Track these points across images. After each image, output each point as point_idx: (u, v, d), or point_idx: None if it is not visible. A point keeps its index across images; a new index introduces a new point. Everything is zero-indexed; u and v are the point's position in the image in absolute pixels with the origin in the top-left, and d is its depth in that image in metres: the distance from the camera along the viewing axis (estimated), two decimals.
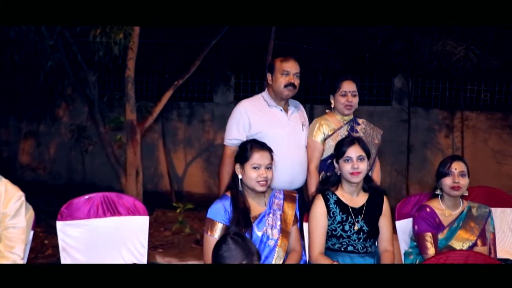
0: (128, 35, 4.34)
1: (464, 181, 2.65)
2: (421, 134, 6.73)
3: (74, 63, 4.83)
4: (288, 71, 2.99)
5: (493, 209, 3.11)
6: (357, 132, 3.10)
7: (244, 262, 1.98)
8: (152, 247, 4.24)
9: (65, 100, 6.22)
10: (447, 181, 2.66)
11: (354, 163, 2.54)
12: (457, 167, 2.66)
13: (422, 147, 6.72)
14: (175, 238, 4.54)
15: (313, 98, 6.63)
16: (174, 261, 3.58)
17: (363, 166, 2.55)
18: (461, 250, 2.48)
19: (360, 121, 3.19)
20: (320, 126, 3.09)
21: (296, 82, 3.03)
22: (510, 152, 6.69)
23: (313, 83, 6.61)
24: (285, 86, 2.99)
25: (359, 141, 2.61)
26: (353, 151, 2.55)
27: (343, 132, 3.05)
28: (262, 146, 2.52)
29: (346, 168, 2.56)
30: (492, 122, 6.73)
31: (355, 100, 3.11)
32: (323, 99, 6.47)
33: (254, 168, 2.45)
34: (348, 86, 3.09)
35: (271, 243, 2.49)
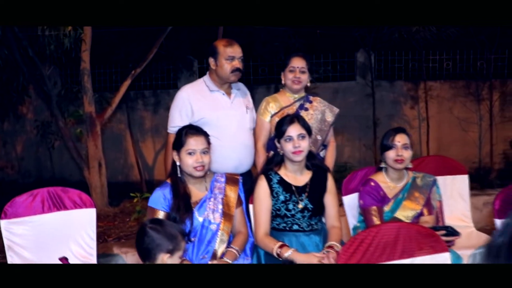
0: (78, 27, 4.26)
1: (407, 154, 2.66)
2: (387, 107, 6.75)
3: (26, 59, 4.74)
4: (233, 56, 2.93)
5: (443, 177, 3.15)
6: (306, 109, 3.08)
7: (170, 247, 1.97)
8: (116, 238, 4.22)
9: (23, 96, 6.11)
10: (390, 154, 2.66)
11: (295, 142, 2.51)
12: (400, 140, 2.66)
13: (388, 120, 6.74)
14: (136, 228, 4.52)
15: (277, 78, 6.56)
16: (130, 251, 3.55)
17: (304, 144, 2.53)
18: (392, 222, 2.48)
19: (312, 98, 3.18)
20: (267, 104, 3.07)
21: (241, 66, 2.99)
22: (475, 119, 6.75)
23: (276, 63, 6.57)
24: (232, 71, 2.95)
25: (299, 119, 2.58)
26: (293, 130, 2.53)
27: (291, 110, 3.03)
28: (196, 130, 2.49)
29: (287, 147, 2.54)
30: (455, 91, 6.77)
31: (304, 77, 3.09)
32: None
33: (190, 153, 2.42)
34: (297, 62, 3.08)
35: (213, 227, 2.48)
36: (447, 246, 2.09)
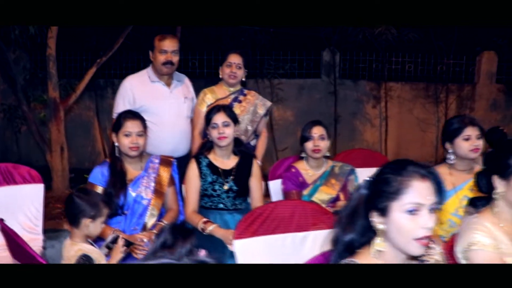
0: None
1: (323, 144, 2.95)
2: (350, 105, 7.00)
3: None
4: (165, 50, 3.25)
5: (369, 168, 3.43)
6: (240, 102, 3.36)
7: (92, 213, 2.23)
8: None
9: None
10: (308, 145, 2.95)
11: (220, 129, 2.79)
12: (316, 131, 2.95)
13: (351, 118, 7.01)
14: None
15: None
16: None
17: (228, 131, 2.81)
18: (291, 200, 2.76)
19: (247, 92, 3.46)
20: (205, 95, 3.36)
21: (175, 59, 3.29)
22: (433, 121, 7.05)
23: (243, 58, 6.80)
24: (163, 64, 3.25)
25: (225, 109, 2.87)
26: (219, 118, 2.81)
27: (225, 102, 3.31)
28: (133, 115, 2.77)
29: (213, 133, 2.82)
30: (416, 92, 7.05)
31: (239, 72, 3.38)
32: (254, 73, 6.68)
33: (126, 135, 2.70)
34: (234, 59, 3.37)
35: (144, 202, 2.76)
36: None
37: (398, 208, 1.42)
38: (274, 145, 6.56)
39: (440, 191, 1.45)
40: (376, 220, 1.46)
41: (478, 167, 2.62)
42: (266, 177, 3.29)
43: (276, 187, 3.17)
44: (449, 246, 1.95)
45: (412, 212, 1.40)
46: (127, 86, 3.30)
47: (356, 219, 1.53)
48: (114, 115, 3.26)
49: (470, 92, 7.05)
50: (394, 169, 1.47)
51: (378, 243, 1.47)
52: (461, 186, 2.62)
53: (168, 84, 3.37)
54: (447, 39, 6.65)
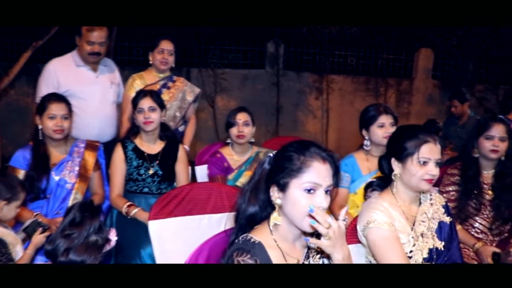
0: None
1: (248, 130, 3.02)
2: (293, 96, 7.12)
3: None
4: (93, 41, 3.21)
5: None
6: (169, 88, 3.39)
7: (8, 196, 2.20)
8: None
9: None
10: (233, 131, 3.02)
11: (146, 114, 2.81)
12: (241, 117, 3.02)
13: (294, 109, 7.14)
14: None
15: (189, 62, 6.83)
16: None
17: (154, 116, 2.83)
18: (207, 183, 2.83)
19: (176, 78, 3.49)
20: (134, 81, 3.37)
21: (102, 49, 3.27)
22: None
23: (188, 47, 6.80)
24: (89, 54, 3.23)
25: (152, 94, 2.89)
26: (145, 103, 2.83)
27: (154, 88, 3.32)
28: (58, 98, 2.75)
29: (139, 118, 2.84)
30: (357, 85, 7.26)
31: (171, 59, 3.40)
32: (198, 62, 6.69)
33: (50, 118, 2.67)
34: (166, 45, 3.39)
35: (68, 186, 2.74)
36: None
37: (296, 186, 1.49)
38: (216, 134, 6.60)
39: (336, 174, 1.54)
40: (275, 194, 1.54)
41: None
42: (194, 163, 3.34)
43: (202, 172, 3.22)
44: (352, 226, 2.06)
45: (309, 191, 1.48)
46: (51, 70, 3.26)
47: (258, 193, 1.61)
48: (38, 99, 3.18)
49: (408, 86, 7.33)
50: (298, 148, 1.55)
51: (275, 216, 1.55)
52: (376, 171, 2.75)
53: (94, 69, 3.36)
54: (387, 35, 6.88)
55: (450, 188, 2.67)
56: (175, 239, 2.28)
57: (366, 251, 2.02)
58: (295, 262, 1.57)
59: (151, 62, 3.41)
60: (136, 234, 2.61)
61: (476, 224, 2.66)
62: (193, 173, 3.28)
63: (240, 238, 1.56)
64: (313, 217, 1.43)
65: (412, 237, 1.91)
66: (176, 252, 2.19)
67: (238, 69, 6.95)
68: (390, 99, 7.16)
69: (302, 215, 1.49)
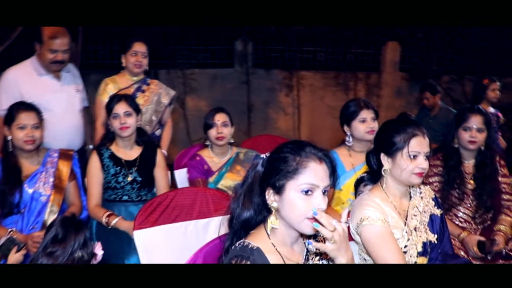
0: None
1: (227, 131, 2.95)
2: (263, 94, 7.09)
3: None
4: (56, 49, 3.03)
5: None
6: (143, 91, 3.29)
7: None
8: None
9: None
10: (212, 132, 2.95)
11: (122, 119, 2.72)
12: (219, 118, 2.95)
13: (265, 107, 7.11)
14: None
15: (157, 63, 6.70)
16: None
17: (130, 121, 2.74)
18: (191, 188, 2.76)
19: (150, 81, 3.39)
20: (106, 86, 3.25)
21: (65, 57, 3.08)
22: None
23: (155, 48, 6.67)
24: (52, 62, 3.06)
25: (127, 98, 2.79)
26: (120, 108, 2.73)
27: (128, 92, 3.22)
28: (28, 106, 2.61)
29: (115, 124, 2.74)
30: (327, 81, 7.28)
31: (145, 61, 3.30)
32: (166, 63, 6.58)
33: (20, 128, 2.54)
34: (139, 47, 3.28)
35: (43, 198, 2.62)
36: None
37: (293, 188, 1.44)
38: (188, 136, 6.51)
39: (333, 174, 1.50)
40: (271, 197, 1.49)
41: None
42: (172, 167, 3.26)
43: (182, 176, 3.14)
44: None
45: (307, 192, 1.44)
46: (10, 80, 3.04)
47: (252, 197, 1.55)
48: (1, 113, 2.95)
49: (377, 80, 7.41)
50: (293, 149, 1.50)
51: (272, 220, 1.50)
52: (359, 167, 2.74)
53: (58, 77, 3.17)
54: (355, 30, 6.92)
55: (434, 179, 2.68)
56: (162, 248, 2.21)
57: (359, 248, 2.00)
58: None
59: (124, 65, 3.30)
60: (118, 244, 2.52)
61: (460, 214, 2.69)
62: (172, 178, 3.19)
63: (237, 245, 1.51)
64: (316, 220, 1.39)
65: (406, 232, 1.90)
66: (164, 261, 2.12)
67: (207, 68, 6.87)
68: (359, 93, 7.22)
69: (300, 218, 1.45)
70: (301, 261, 1.56)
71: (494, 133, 2.75)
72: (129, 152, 2.83)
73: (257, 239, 1.51)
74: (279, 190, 1.47)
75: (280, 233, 1.52)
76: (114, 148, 2.81)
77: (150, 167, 2.84)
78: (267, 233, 1.52)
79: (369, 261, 1.95)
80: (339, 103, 7.24)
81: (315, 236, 1.63)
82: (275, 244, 1.50)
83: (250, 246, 1.47)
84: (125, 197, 2.77)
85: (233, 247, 1.52)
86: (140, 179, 2.78)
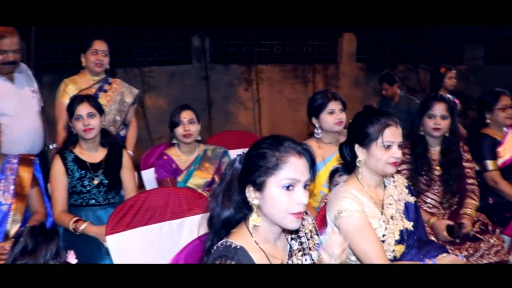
0: None
1: (194, 128, 2.91)
2: (222, 89, 7.03)
3: None
4: (5, 50, 2.87)
5: (241, 150, 3.46)
6: (105, 91, 3.19)
7: None
8: None
9: None
10: (179, 130, 2.89)
11: (85, 121, 2.62)
12: (186, 115, 2.90)
13: (224, 102, 7.06)
14: None
15: (113, 62, 6.51)
16: None
17: (94, 122, 2.64)
18: (163, 188, 2.71)
19: (112, 80, 3.29)
20: (66, 86, 3.13)
21: (17, 57, 2.92)
22: (303, 100, 7.32)
23: (110, 46, 6.49)
24: (3, 64, 2.91)
25: (89, 99, 2.69)
26: (83, 109, 2.63)
27: (90, 92, 3.11)
28: None
29: (78, 126, 2.63)
30: (285, 74, 7.30)
31: (106, 60, 3.20)
32: (123, 61, 6.42)
33: None
34: (99, 45, 3.18)
35: (4, 208, 2.49)
36: None
37: (274, 183, 1.42)
38: (148, 134, 6.39)
39: (313, 168, 1.49)
40: (252, 195, 1.46)
41: (343, 139, 2.78)
42: (139, 167, 3.18)
43: (149, 176, 3.08)
44: (321, 216, 2.04)
45: (288, 188, 1.42)
46: None
47: (231, 195, 1.52)
48: None
49: (335, 71, 7.50)
50: (271, 144, 1.47)
51: (254, 218, 1.47)
52: (329, 158, 2.76)
53: (11, 79, 3.01)
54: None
55: (402, 167, 2.72)
56: (137, 251, 2.15)
57: None
58: (279, 263, 1.51)
59: (84, 65, 3.18)
60: (88, 250, 2.43)
61: (428, 200, 2.75)
62: (140, 178, 3.11)
63: (219, 245, 1.47)
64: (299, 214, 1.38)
65: (383, 221, 1.92)
66: None
67: (165, 66, 6.75)
68: (318, 84, 7.28)
69: (283, 214, 1.43)
70: (285, 257, 1.55)
71: (457, 119, 2.81)
72: (93, 154, 2.73)
73: (239, 238, 1.48)
74: (259, 187, 1.45)
75: (263, 230, 1.49)
76: (77, 151, 2.71)
77: (117, 168, 2.76)
78: (249, 231, 1.49)
79: (348, 252, 1.96)
80: (298, 95, 7.37)
81: (297, 231, 1.62)
82: (258, 242, 1.48)
83: (233, 245, 1.44)
84: (92, 201, 2.68)
85: (215, 247, 1.48)
86: (106, 181, 2.69)
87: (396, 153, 1.89)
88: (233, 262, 1.40)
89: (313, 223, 1.70)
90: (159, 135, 6.48)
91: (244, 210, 1.52)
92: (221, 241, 1.48)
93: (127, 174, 2.78)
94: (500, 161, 3.07)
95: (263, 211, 1.47)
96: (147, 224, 2.18)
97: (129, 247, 2.14)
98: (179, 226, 2.26)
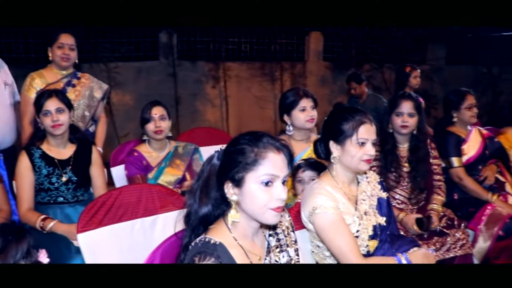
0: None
1: (165, 124, 2.88)
2: (190, 86, 6.98)
3: None
4: None
5: (212, 147, 3.44)
6: (74, 86, 3.12)
7: None
8: None
9: None
10: (150, 126, 2.86)
11: (54, 116, 2.55)
12: (157, 112, 2.87)
13: (192, 99, 7.02)
14: None
15: (79, 57, 6.38)
16: None
17: (63, 118, 2.57)
18: (135, 184, 2.67)
19: (81, 75, 3.22)
20: (32, 80, 3.05)
21: None
22: (270, 98, 7.39)
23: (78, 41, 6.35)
24: None
25: (58, 94, 2.62)
26: (51, 104, 2.56)
27: (58, 86, 3.04)
28: None
29: (47, 121, 2.56)
30: (253, 71, 7.31)
31: (73, 54, 3.13)
32: (89, 57, 6.27)
33: None
34: (66, 39, 3.11)
35: None
36: None
37: (253, 179, 1.42)
38: (115, 131, 6.28)
39: (291, 163, 1.50)
40: (230, 191, 1.46)
41: (314, 136, 2.81)
42: (108, 164, 3.12)
43: (119, 173, 3.02)
44: (295, 212, 2.05)
45: (267, 184, 1.42)
46: None
47: (209, 191, 1.51)
48: None
49: (302, 69, 7.55)
50: (250, 140, 1.46)
51: (232, 214, 1.47)
52: (300, 155, 2.77)
53: None
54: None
55: (372, 164, 2.77)
56: (109, 249, 2.10)
57: (310, 235, 2.02)
58: (257, 259, 1.51)
59: (50, 59, 3.10)
60: (56, 249, 2.36)
61: (397, 196, 2.81)
62: (109, 176, 3.05)
63: (197, 241, 1.46)
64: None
65: (357, 217, 1.95)
66: (112, 263, 2.02)
67: (132, 61, 6.65)
68: (286, 82, 7.31)
69: (263, 209, 1.43)
70: (263, 254, 1.55)
71: (424, 117, 2.88)
72: (62, 150, 2.66)
73: (217, 234, 1.47)
74: (238, 183, 1.44)
75: (241, 226, 1.49)
76: (45, 147, 2.63)
77: (86, 165, 2.69)
78: (228, 227, 1.49)
79: (322, 247, 1.98)
80: (266, 93, 7.39)
81: (275, 228, 1.63)
82: (236, 238, 1.48)
83: (212, 241, 1.44)
84: (60, 199, 2.61)
85: (193, 244, 1.47)
86: (75, 178, 2.63)
87: (370, 150, 1.92)
88: (213, 258, 1.39)
89: (290, 219, 1.70)
90: (125, 132, 6.39)
91: (222, 206, 1.52)
92: (199, 238, 1.47)
93: (96, 171, 2.72)
94: (464, 158, 3.16)
95: (242, 207, 1.47)
96: (119, 222, 2.14)
97: (101, 245, 2.09)
98: (151, 223, 2.23)
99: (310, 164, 2.50)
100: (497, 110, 7.83)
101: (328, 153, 2.01)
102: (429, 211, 2.75)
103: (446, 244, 2.65)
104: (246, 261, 1.46)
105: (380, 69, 7.39)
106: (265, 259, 1.54)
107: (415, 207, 2.83)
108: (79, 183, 2.64)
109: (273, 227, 1.61)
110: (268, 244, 1.58)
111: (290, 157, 1.50)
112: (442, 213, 2.80)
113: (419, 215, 2.68)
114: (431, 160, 2.88)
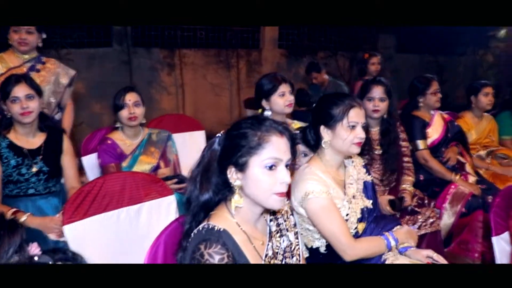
0: None
1: (139, 110, 2.82)
2: (145, 73, 6.82)
3: None
4: None
5: (182, 133, 3.40)
6: (38, 71, 2.99)
7: None
8: None
9: None
10: (124, 113, 2.78)
11: (23, 103, 2.42)
12: (130, 98, 2.80)
13: (147, 87, 6.84)
14: None
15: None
16: None
17: (33, 105, 2.45)
18: (119, 173, 2.60)
19: (46, 59, 3.08)
20: None
21: None
22: (226, 85, 7.36)
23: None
24: None
25: (26, 79, 2.50)
26: (20, 90, 2.43)
27: (20, 71, 2.89)
28: None
29: (15, 109, 2.43)
30: (208, 58, 7.22)
31: (31, 38, 2.99)
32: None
33: None
34: None
35: None
36: (173, 191, 2.33)
37: (257, 163, 1.41)
38: None
39: (293, 147, 1.50)
40: (234, 176, 1.44)
41: (289, 121, 2.83)
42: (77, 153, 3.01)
43: (91, 162, 2.93)
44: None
45: (271, 167, 1.41)
46: None
47: (210, 177, 1.49)
48: None
49: (257, 56, 7.55)
50: (252, 124, 1.45)
51: (236, 199, 1.46)
52: None
53: None
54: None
55: None
56: (96, 240, 2.04)
57: (300, 219, 2.04)
58: (260, 243, 1.51)
59: (10, 42, 2.95)
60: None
61: None
62: (80, 165, 2.95)
63: (200, 228, 1.44)
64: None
65: (347, 201, 1.99)
66: (100, 254, 1.97)
67: (83, 48, 6.41)
68: (242, 70, 7.30)
69: (267, 193, 1.43)
70: (265, 239, 1.55)
71: (395, 101, 2.97)
72: (31, 140, 2.54)
73: (220, 220, 1.46)
74: (242, 168, 1.44)
75: (244, 211, 1.49)
76: (12, 136, 2.50)
77: (57, 154, 2.58)
78: (231, 213, 1.48)
79: (313, 231, 2.01)
80: (221, 80, 7.35)
81: (275, 213, 1.63)
82: (239, 224, 1.47)
83: (216, 228, 1.42)
84: (31, 191, 2.49)
85: (196, 231, 1.45)
86: (46, 169, 2.52)
87: (360, 133, 1.96)
88: (219, 245, 1.37)
89: (289, 202, 1.72)
90: (79, 121, 6.15)
91: (224, 191, 1.50)
92: (202, 225, 1.45)
93: (68, 161, 2.62)
94: (429, 141, 3.29)
95: (245, 191, 1.46)
96: (105, 211, 2.08)
97: (88, 236, 2.03)
98: (137, 212, 2.18)
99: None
100: (443, 97, 8.15)
101: (317, 139, 2.03)
102: (401, 191, 2.85)
103: (417, 222, 2.77)
104: (250, 247, 1.46)
105: (334, 57, 7.52)
106: (268, 244, 1.54)
107: (387, 188, 2.92)
108: (50, 174, 2.54)
109: (273, 212, 1.62)
110: (270, 229, 1.58)
111: (293, 140, 1.50)
112: (413, 193, 2.91)
113: (392, 196, 2.77)
114: (400, 142, 2.98)
